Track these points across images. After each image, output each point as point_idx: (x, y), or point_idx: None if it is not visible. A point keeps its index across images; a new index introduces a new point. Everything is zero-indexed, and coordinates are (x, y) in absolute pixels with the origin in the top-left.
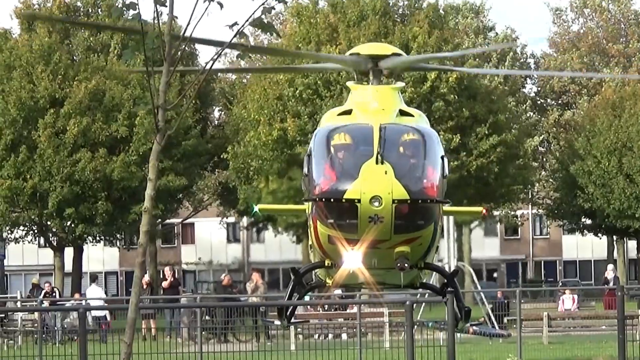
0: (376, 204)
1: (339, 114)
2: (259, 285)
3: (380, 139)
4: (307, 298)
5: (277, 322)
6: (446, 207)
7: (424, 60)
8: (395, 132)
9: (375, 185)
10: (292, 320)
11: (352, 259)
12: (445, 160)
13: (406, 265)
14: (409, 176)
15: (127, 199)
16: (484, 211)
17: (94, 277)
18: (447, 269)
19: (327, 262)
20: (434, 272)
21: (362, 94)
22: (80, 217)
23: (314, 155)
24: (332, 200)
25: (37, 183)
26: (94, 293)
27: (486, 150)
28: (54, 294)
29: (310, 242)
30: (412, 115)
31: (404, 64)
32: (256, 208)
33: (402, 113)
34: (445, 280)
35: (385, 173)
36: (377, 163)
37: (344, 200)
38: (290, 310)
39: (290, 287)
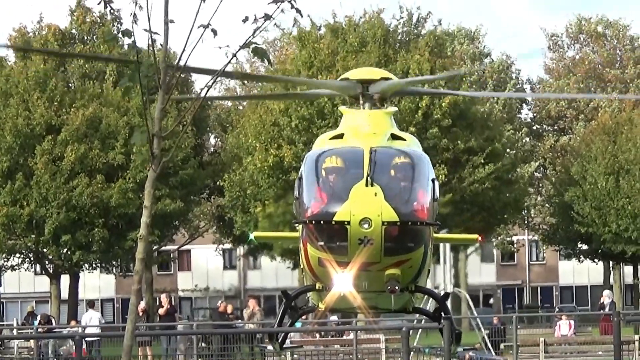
0: (366, 226)
1: (331, 138)
2: (256, 312)
3: (371, 161)
4: (299, 324)
5: (270, 347)
6: (442, 234)
7: (413, 83)
8: (386, 155)
9: (365, 207)
10: (285, 345)
11: (343, 282)
12: (436, 183)
13: (397, 287)
14: (399, 198)
15: (124, 225)
16: (480, 238)
17: (91, 303)
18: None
19: (318, 286)
20: (429, 297)
21: (354, 118)
22: (76, 244)
23: (305, 178)
24: (322, 222)
25: (33, 210)
26: (92, 318)
27: (481, 178)
28: (50, 322)
29: (301, 265)
30: (404, 139)
31: (393, 87)
32: (252, 236)
33: (394, 137)
34: (437, 305)
35: (375, 195)
36: (367, 185)
37: (333, 223)
38: (282, 335)
39: (281, 310)
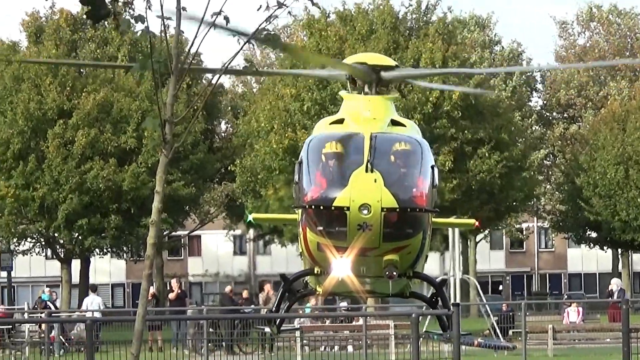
0: (365, 211)
1: (331, 123)
2: (271, 297)
3: (371, 147)
4: (308, 310)
5: (267, 330)
6: (438, 219)
7: (424, 75)
8: (386, 141)
9: (365, 193)
10: (282, 328)
11: (341, 267)
12: (436, 169)
13: (395, 273)
14: (399, 185)
15: (136, 210)
16: (477, 223)
17: (93, 287)
18: (452, 281)
19: (316, 270)
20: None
21: (354, 103)
22: (90, 229)
23: (305, 163)
24: (321, 207)
25: (46, 193)
26: (93, 302)
27: (489, 167)
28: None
29: (300, 250)
30: (404, 125)
31: (406, 77)
32: (250, 217)
33: (394, 123)
34: (434, 290)
35: (375, 181)
36: (366, 171)
37: (333, 208)
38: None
39: (280, 293)
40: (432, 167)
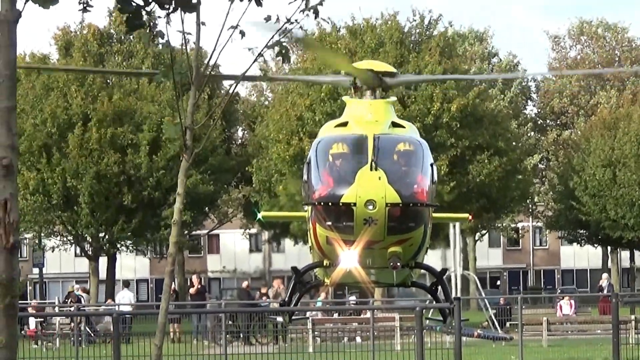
0: (370, 207)
1: (336, 126)
2: (280, 292)
3: (375, 147)
4: (319, 304)
5: (280, 319)
6: (435, 214)
7: (422, 81)
8: (388, 142)
9: (370, 190)
10: (293, 317)
11: (349, 259)
12: (434, 167)
13: (399, 264)
14: (401, 182)
15: (157, 200)
16: (470, 217)
17: (126, 283)
18: (453, 277)
19: (325, 262)
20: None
21: (357, 107)
22: (112, 221)
23: (313, 163)
24: (330, 204)
25: (67, 176)
26: (124, 297)
27: (487, 173)
28: (80, 301)
29: (309, 244)
30: (404, 127)
31: (407, 82)
32: (259, 215)
33: (394, 124)
34: (435, 279)
35: (379, 179)
36: (371, 170)
37: (341, 204)
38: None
39: (292, 285)
40: (431, 165)
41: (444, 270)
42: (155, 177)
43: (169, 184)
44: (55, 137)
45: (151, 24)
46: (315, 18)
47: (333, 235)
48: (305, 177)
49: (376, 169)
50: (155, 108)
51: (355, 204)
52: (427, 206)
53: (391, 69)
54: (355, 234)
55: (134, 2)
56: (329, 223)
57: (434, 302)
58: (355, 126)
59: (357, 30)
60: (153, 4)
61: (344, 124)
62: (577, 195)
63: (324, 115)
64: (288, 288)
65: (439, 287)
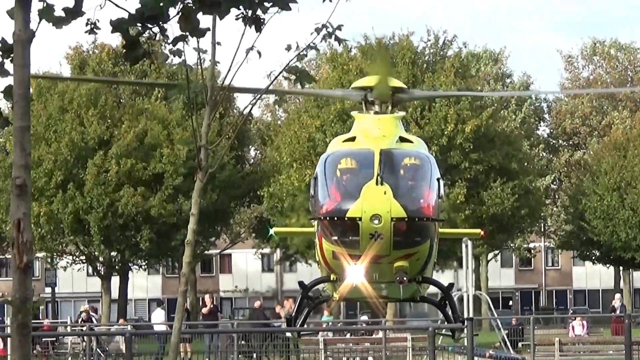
0: (376, 221)
1: (344, 141)
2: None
3: (381, 162)
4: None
5: (289, 334)
6: (445, 230)
7: (432, 97)
8: (395, 156)
9: (375, 204)
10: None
11: (355, 273)
12: (441, 182)
13: (405, 279)
14: (407, 196)
15: (167, 231)
16: (482, 233)
17: (159, 302)
18: (465, 297)
19: (332, 277)
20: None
21: (365, 122)
22: (125, 245)
23: (320, 177)
24: (335, 218)
25: (79, 208)
26: (159, 316)
27: (501, 199)
28: (90, 320)
29: (317, 259)
30: (411, 142)
31: (417, 98)
32: (272, 231)
33: (402, 139)
34: (442, 294)
35: (385, 193)
36: (377, 184)
37: (346, 219)
38: (300, 324)
39: (299, 300)
40: (438, 180)
41: (451, 284)
42: (166, 218)
43: (184, 218)
44: (71, 164)
45: (152, 50)
46: (340, 44)
47: (339, 250)
48: (312, 192)
49: (382, 184)
50: (164, 133)
51: (360, 219)
52: (432, 220)
53: (402, 84)
54: (361, 249)
55: (130, 28)
56: (335, 238)
57: (444, 317)
58: (363, 141)
59: (369, 50)
60: (154, 29)
61: (352, 139)
62: (587, 217)
63: (334, 136)
64: (296, 302)
65: (447, 302)
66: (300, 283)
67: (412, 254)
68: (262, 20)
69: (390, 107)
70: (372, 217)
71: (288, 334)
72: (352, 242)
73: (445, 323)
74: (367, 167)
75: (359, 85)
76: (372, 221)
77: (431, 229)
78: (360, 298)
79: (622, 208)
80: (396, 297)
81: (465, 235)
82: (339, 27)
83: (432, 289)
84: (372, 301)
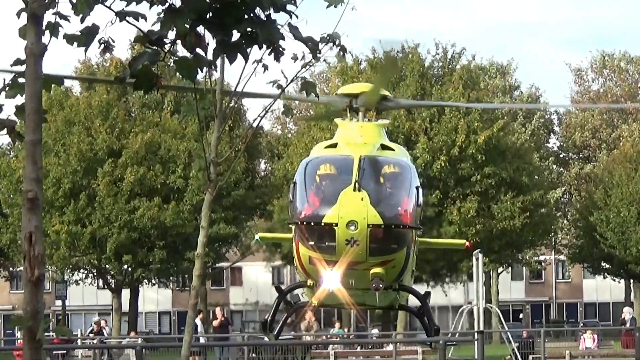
0: (352, 227)
1: (326, 147)
2: (312, 324)
3: (360, 169)
4: (338, 333)
5: (266, 339)
6: (431, 239)
7: (415, 106)
8: (374, 163)
9: (352, 210)
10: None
11: (331, 279)
12: (420, 190)
13: (381, 285)
14: (384, 203)
15: (181, 245)
16: (467, 244)
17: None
18: (475, 310)
19: (309, 282)
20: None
21: (348, 129)
22: (137, 263)
23: (299, 183)
24: (312, 223)
25: (96, 229)
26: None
27: (511, 214)
28: (101, 332)
29: (294, 264)
30: (393, 149)
31: (401, 106)
32: (257, 237)
33: (384, 147)
34: (419, 303)
35: (362, 199)
36: (354, 190)
37: (323, 224)
38: (278, 328)
39: (275, 304)
40: (417, 188)
41: (428, 293)
42: (181, 229)
43: (194, 230)
44: (81, 175)
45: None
46: (343, 55)
47: (316, 255)
48: (290, 197)
49: (359, 190)
50: (182, 145)
51: (337, 224)
52: (409, 228)
53: (386, 92)
54: (337, 255)
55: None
56: (312, 243)
57: (422, 326)
58: (344, 147)
59: (378, 63)
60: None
61: (334, 145)
62: (599, 230)
63: None
64: (272, 307)
65: (423, 311)
66: (277, 287)
67: (388, 261)
68: (282, 51)
69: (375, 115)
70: (348, 223)
71: (266, 339)
72: (328, 248)
73: (425, 333)
74: (345, 174)
75: (344, 92)
76: (348, 227)
77: (408, 237)
78: (338, 304)
79: (638, 223)
80: (374, 304)
81: (450, 245)
82: (342, 48)
83: (441, 300)
84: (349, 308)
